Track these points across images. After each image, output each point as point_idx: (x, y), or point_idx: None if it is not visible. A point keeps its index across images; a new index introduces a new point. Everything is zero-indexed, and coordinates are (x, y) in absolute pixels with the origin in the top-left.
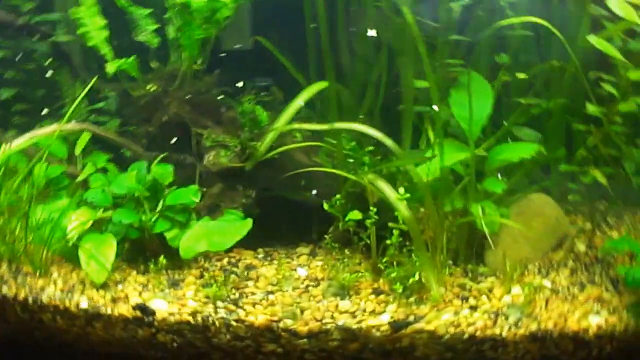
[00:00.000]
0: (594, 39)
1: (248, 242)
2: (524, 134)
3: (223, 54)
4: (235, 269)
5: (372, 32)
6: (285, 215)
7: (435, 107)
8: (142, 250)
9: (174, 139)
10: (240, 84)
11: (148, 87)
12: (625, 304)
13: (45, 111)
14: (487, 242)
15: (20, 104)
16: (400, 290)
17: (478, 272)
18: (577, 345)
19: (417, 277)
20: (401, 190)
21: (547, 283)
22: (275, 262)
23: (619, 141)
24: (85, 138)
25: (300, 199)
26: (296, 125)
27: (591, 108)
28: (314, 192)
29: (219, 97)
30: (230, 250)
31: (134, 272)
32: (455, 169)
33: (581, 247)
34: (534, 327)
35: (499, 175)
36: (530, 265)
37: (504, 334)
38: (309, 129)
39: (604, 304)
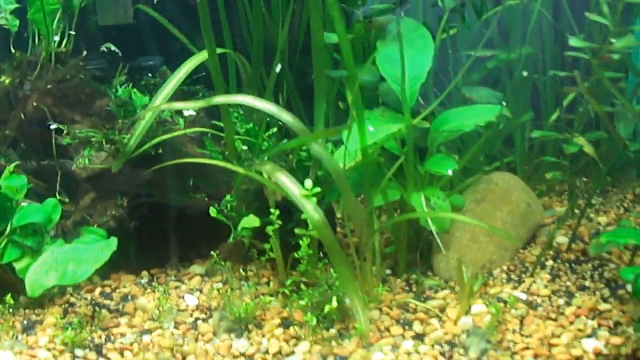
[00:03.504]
0: None
1: (129, 265)
2: (479, 96)
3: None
4: (108, 302)
5: None
6: (173, 227)
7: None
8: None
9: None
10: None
11: (1, 79)
12: (631, 316)
13: None
14: (436, 243)
15: None
16: (313, 322)
17: (425, 284)
18: None
19: (334, 302)
20: (308, 183)
21: (520, 294)
22: (162, 288)
23: (614, 91)
24: None
25: (190, 204)
26: (164, 106)
27: (576, 42)
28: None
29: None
30: (106, 276)
31: None
32: (389, 148)
33: (561, 239)
34: None
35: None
36: (496, 270)
37: None
38: (184, 109)
39: (601, 319)
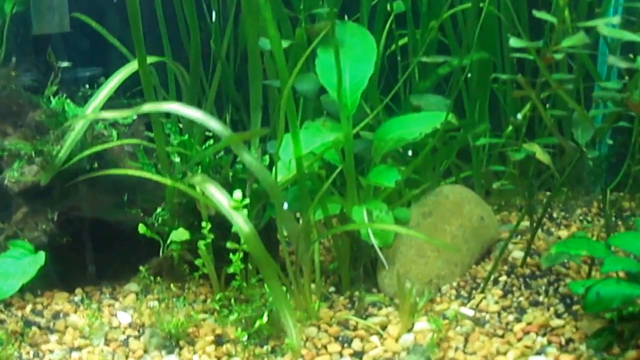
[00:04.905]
0: None
1: (62, 282)
2: (427, 103)
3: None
4: (39, 319)
5: None
6: (108, 243)
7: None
8: None
9: None
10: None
11: None
12: (585, 333)
13: None
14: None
15: None
16: (244, 338)
17: (368, 301)
18: None
19: (265, 317)
20: (237, 194)
21: (467, 311)
22: (95, 305)
23: (564, 96)
24: None
25: (124, 219)
26: (92, 115)
27: (516, 42)
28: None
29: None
30: (39, 294)
31: None
32: (329, 159)
33: (518, 254)
34: None
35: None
36: (445, 286)
37: None
38: (113, 118)
39: (552, 335)
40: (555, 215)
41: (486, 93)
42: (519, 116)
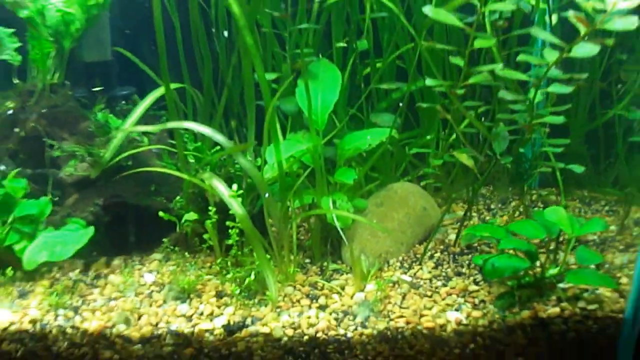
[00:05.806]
0: (429, 10)
1: (104, 251)
2: (382, 120)
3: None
4: (85, 278)
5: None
6: (139, 222)
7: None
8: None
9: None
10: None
11: (7, 104)
12: (495, 296)
13: None
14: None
15: None
16: (237, 292)
17: (332, 269)
18: (433, 343)
19: (252, 276)
20: (234, 187)
21: (406, 278)
22: (128, 269)
23: (471, 118)
24: None
25: (151, 204)
26: (130, 128)
27: (430, 82)
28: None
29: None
30: (86, 259)
31: None
32: (305, 161)
33: (454, 236)
34: (382, 325)
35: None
36: (392, 259)
37: (349, 334)
38: (145, 131)
39: (469, 297)
40: (492, 206)
41: (435, 111)
42: (428, 137)
